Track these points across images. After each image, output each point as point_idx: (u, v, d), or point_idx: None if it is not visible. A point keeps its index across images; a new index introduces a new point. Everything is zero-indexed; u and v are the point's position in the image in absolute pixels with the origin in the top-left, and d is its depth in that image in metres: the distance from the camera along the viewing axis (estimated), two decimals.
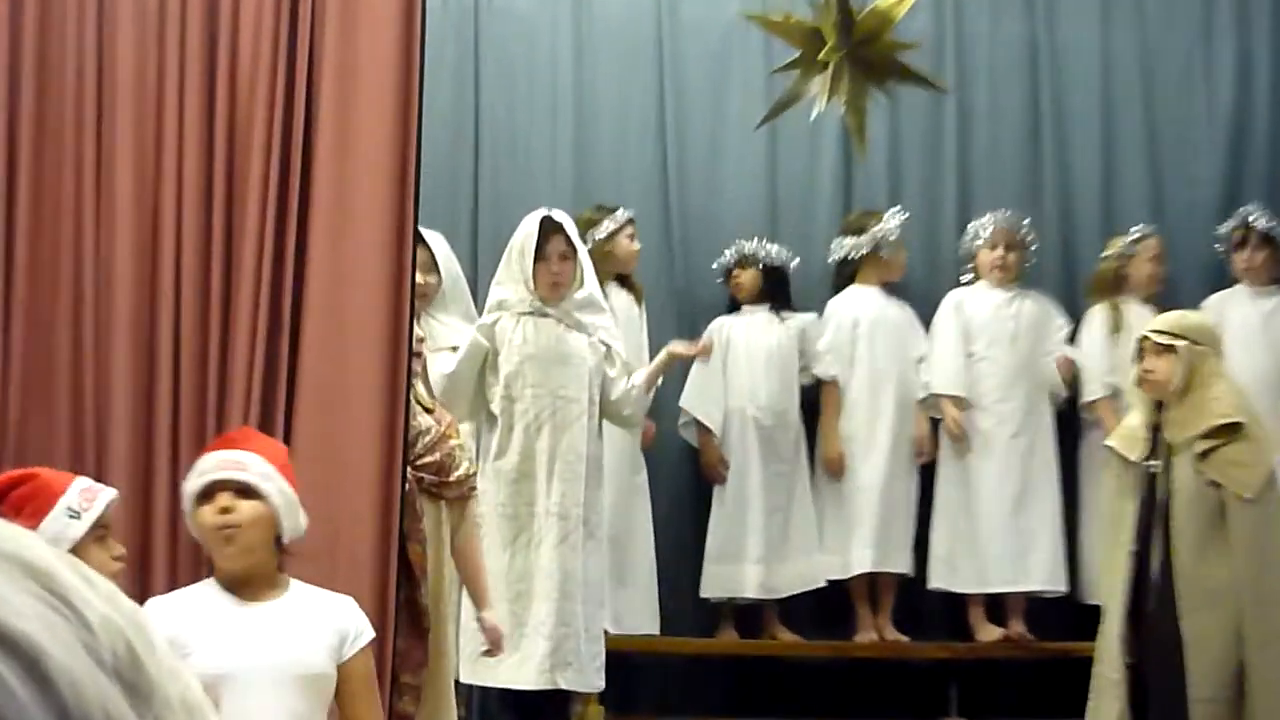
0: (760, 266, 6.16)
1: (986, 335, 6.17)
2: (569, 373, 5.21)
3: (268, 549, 3.29)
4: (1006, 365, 6.14)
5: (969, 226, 6.28)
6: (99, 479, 3.26)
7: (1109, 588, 5.08)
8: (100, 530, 3.06)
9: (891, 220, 6.18)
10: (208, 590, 3.31)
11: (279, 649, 3.22)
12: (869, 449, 6.08)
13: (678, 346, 5.60)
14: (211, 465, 3.26)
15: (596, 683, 5.21)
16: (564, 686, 5.14)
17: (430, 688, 4.16)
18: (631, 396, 5.31)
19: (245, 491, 3.23)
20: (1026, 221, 6.22)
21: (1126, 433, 5.11)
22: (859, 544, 6.00)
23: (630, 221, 5.94)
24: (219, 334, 3.83)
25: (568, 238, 5.12)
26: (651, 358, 5.74)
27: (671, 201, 6.36)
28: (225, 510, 3.21)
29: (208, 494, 3.24)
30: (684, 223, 6.36)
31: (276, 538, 3.29)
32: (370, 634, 3.35)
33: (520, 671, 5.06)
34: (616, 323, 5.59)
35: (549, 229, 5.13)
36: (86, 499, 3.07)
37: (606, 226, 5.86)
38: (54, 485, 3.07)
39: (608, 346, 5.27)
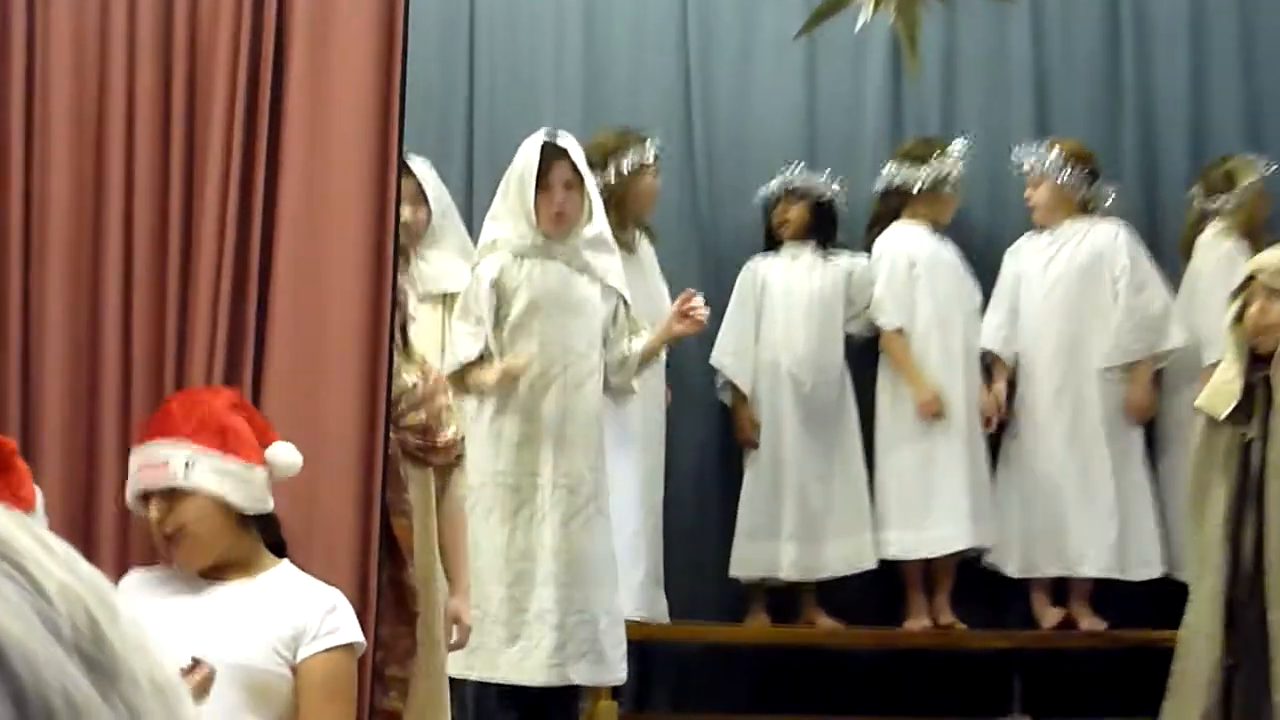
0: (811, 200, 6.15)
1: (1024, 288, 6.17)
2: (579, 324, 5.15)
3: (228, 534, 3.31)
4: (1040, 322, 6.13)
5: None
6: (27, 459, 3.19)
7: (1196, 575, 5.05)
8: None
9: (958, 152, 6.15)
10: (155, 574, 3.37)
11: (214, 637, 3.21)
12: (949, 408, 6.06)
13: (679, 325, 5.31)
14: (134, 468, 3.32)
15: (618, 674, 5.16)
16: (578, 681, 5.11)
17: (421, 680, 4.14)
18: (626, 364, 5.26)
19: (174, 492, 3.27)
20: (1055, 153, 6.13)
21: (1217, 388, 5.05)
22: (940, 519, 6.00)
23: (658, 157, 5.88)
24: (177, 282, 3.80)
25: (574, 164, 5.05)
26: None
27: (695, 125, 6.33)
28: (159, 521, 3.27)
29: (142, 497, 3.31)
30: (709, 150, 6.33)
31: (240, 514, 3.31)
32: (347, 638, 3.30)
33: (523, 665, 5.03)
34: (643, 275, 5.58)
35: (552, 154, 5.04)
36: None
37: (632, 159, 5.79)
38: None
39: (621, 297, 5.23)
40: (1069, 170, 6.13)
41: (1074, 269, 6.15)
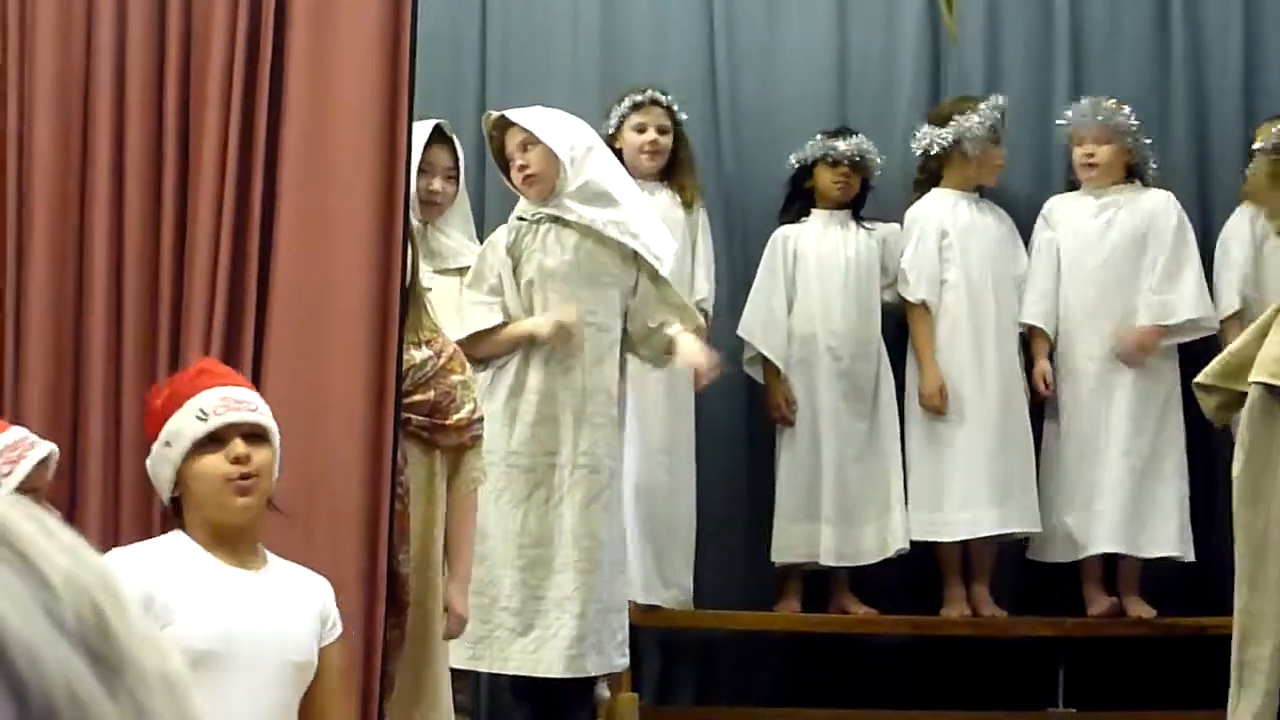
0: (861, 166, 6.04)
1: (1071, 251, 6.03)
2: (598, 294, 5.09)
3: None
4: (1090, 289, 5.99)
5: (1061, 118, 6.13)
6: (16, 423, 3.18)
7: (1252, 557, 4.92)
8: (28, 495, 2.97)
9: (983, 108, 6.00)
10: (184, 546, 3.27)
11: (272, 627, 3.23)
12: (977, 386, 5.94)
13: (696, 359, 5.18)
14: (215, 404, 3.26)
15: (618, 661, 5.12)
16: (595, 672, 5.05)
17: (422, 671, 4.10)
18: (652, 341, 5.15)
19: (254, 436, 3.27)
20: (1127, 110, 6.03)
21: (1276, 357, 4.92)
22: (975, 502, 5.88)
23: (637, 108, 5.81)
24: (172, 247, 3.76)
25: (523, 129, 5.06)
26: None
27: (719, 86, 6.24)
28: (243, 459, 3.23)
29: (212, 439, 3.24)
30: (734, 112, 6.24)
31: None
32: (341, 625, 3.38)
33: (539, 656, 4.94)
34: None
35: (503, 128, 5.12)
36: (8, 460, 3.00)
37: (612, 116, 5.80)
38: None
39: (634, 253, 5.09)
40: (1137, 131, 6.00)
41: (1128, 235, 6.02)
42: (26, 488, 3.00)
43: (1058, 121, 6.12)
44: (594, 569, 4.99)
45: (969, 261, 6.02)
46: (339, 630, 3.35)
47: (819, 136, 6.04)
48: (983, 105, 6.01)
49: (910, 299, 6.02)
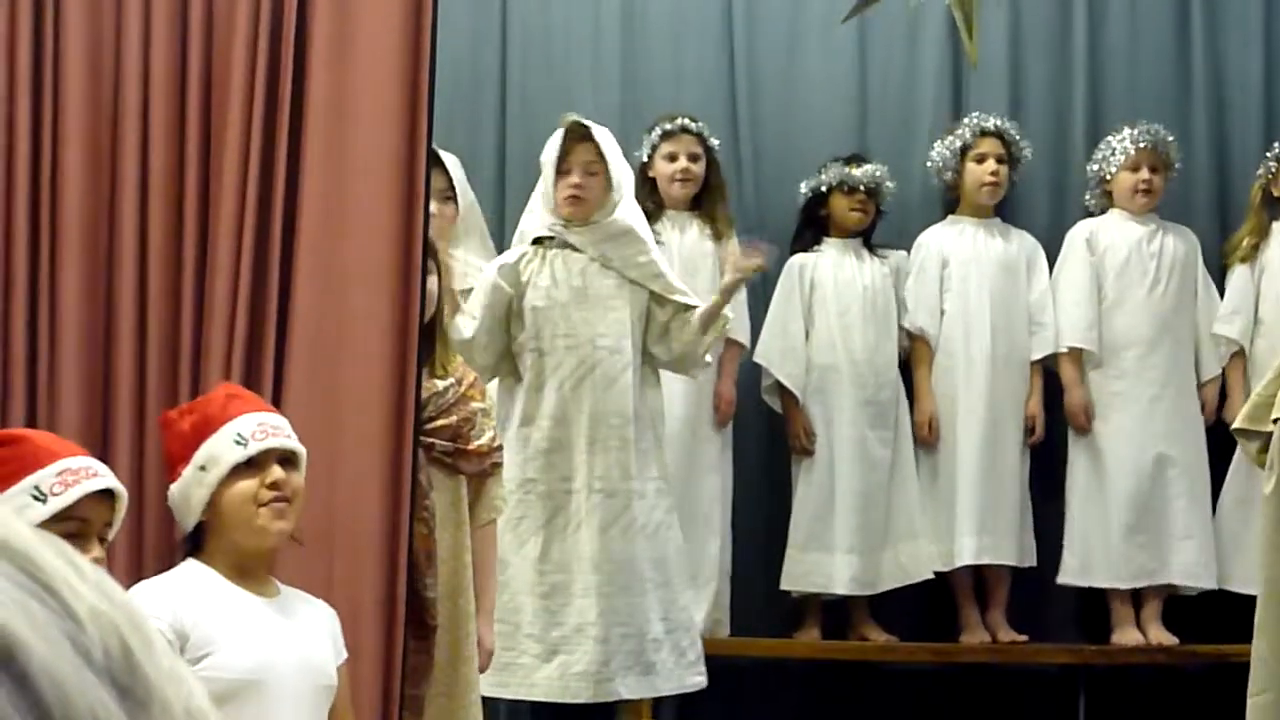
0: (875, 194, 6.04)
1: (1124, 277, 6.02)
2: (608, 318, 5.06)
3: None
4: (1147, 313, 5.99)
5: (1103, 142, 6.11)
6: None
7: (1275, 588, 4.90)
8: (73, 523, 2.98)
9: (975, 125, 6.01)
10: (206, 576, 3.29)
11: (301, 652, 3.28)
12: (965, 417, 5.94)
13: (742, 262, 5.19)
14: (253, 429, 3.31)
15: (690, 680, 5.10)
16: (627, 696, 5.01)
17: (450, 700, 4.09)
18: (684, 332, 5.10)
19: (286, 462, 3.33)
20: (1172, 139, 6.06)
21: None
22: (958, 531, 5.89)
23: (667, 136, 5.81)
24: (194, 267, 3.78)
25: (598, 148, 4.99)
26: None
27: (740, 112, 6.22)
28: (280, 484, 3.29)
29: (248, 464, 3.29)
30: (754, 138, 6.22)
31: None
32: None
33: (563, 682, 4.94)
34: (672, 263, 5.45)
35: (576, 137, 5.02)
36: (62, 482, 3.01)
37: (645, 144, 5.79)
38: (34, 456, 3.04)
39: (651, 292, 5.09)
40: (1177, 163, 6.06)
41: (1179, 262, 6.03)
42: (76, 516, 3.00)
43: (1110, 140, 6.08)
44: (616, 593, 4.96)
45: (968, 290, 6.01)
46: (344, 654, 3.42)
47: (832, 164, 6.04)
48: (959, 126, 6.03)
49: (909, 328, 6.03)
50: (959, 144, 6.02)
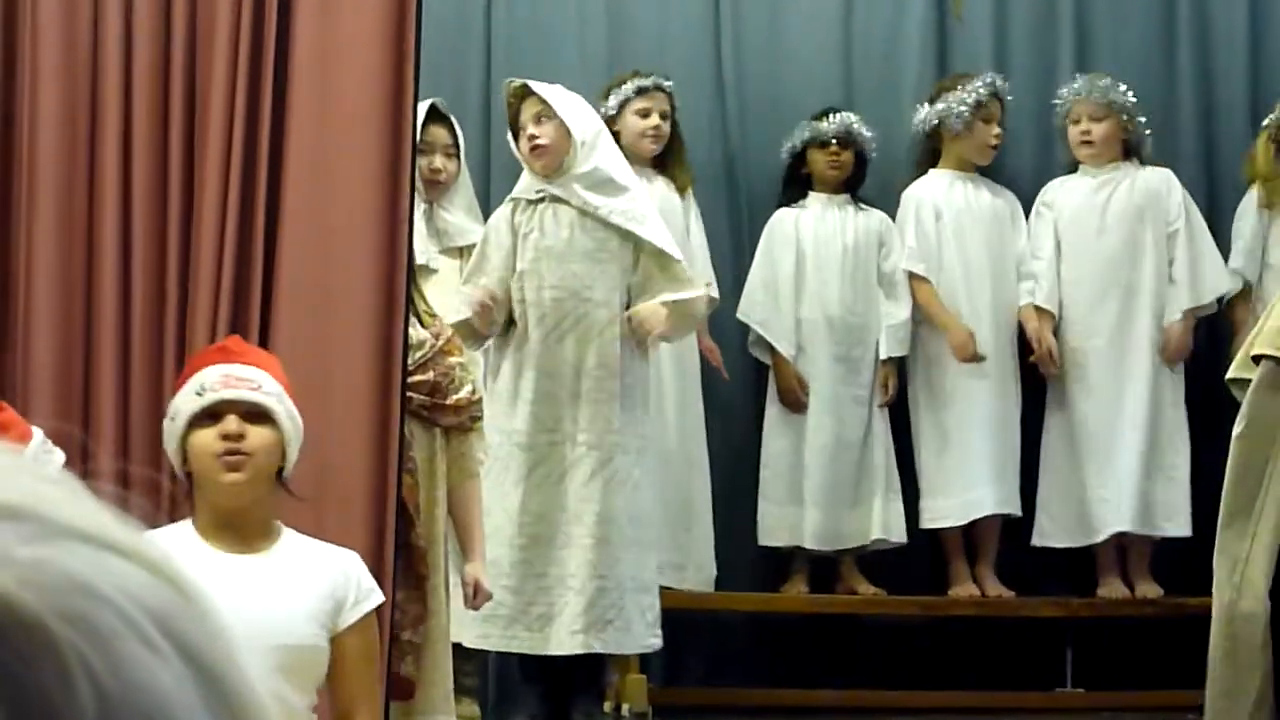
0: (857, 148, 6.06)
1: (1071, 230, 6.07)
2: (595, 270, 5.12)
3: (271, 483, 3.32)
4: (1092, 266, 6.04)
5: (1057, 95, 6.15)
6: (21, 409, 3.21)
7: (1248, 534, 4.92)
8: None
9: (971, 85, 6.05)
10: (182, 536, 3.26)
11: (257, 612, 3.16)
12: (972, 367, 5.97)
13: (649, 327, 5.14)
14: (215, 380, 3.27)
15: (649, 641, 5.15)
16: (601, 650, 5.07)
17: (422, 647, 4.12)
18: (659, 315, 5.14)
19: (255, 415, 3.26)
20: (1123, 87, 6.07)
21: (1275, 330, 4.89)
22: (976, 481, 5.94)
23: (642, 93, 5.83)
24: (178, 234, 3.78)
25: (542, 99, 5.12)
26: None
27: (724, 68, 6.24)
28: (232, 436, 3.24)
29: (210, 415, 3.26)
30: (739, 93, 6.24)
31: (278, 471, 3.32)
32: (377, 598, 3.36)
33: (544, 634, 5.00)
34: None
35: (519, 96, 5.18)
36: (44, 452, 3.03)
37: (612, 99, 5.80)
38: (12, 429, 3.03)
39: (636, 238, 5.14)
40: (1133, 107, 6.05)
41: (1129, 212, 6.05)
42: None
43: (1054, 100, 6.14)
44: (599, 545, 5.01)
45: (964, 243, 6.05)
46: (364, 609, 3.31)
47: (808, 122, 6.07)
48: (973, 83, 6.05)
49: (913, 271, 6.04)
50: (974, 99, 6.03)
